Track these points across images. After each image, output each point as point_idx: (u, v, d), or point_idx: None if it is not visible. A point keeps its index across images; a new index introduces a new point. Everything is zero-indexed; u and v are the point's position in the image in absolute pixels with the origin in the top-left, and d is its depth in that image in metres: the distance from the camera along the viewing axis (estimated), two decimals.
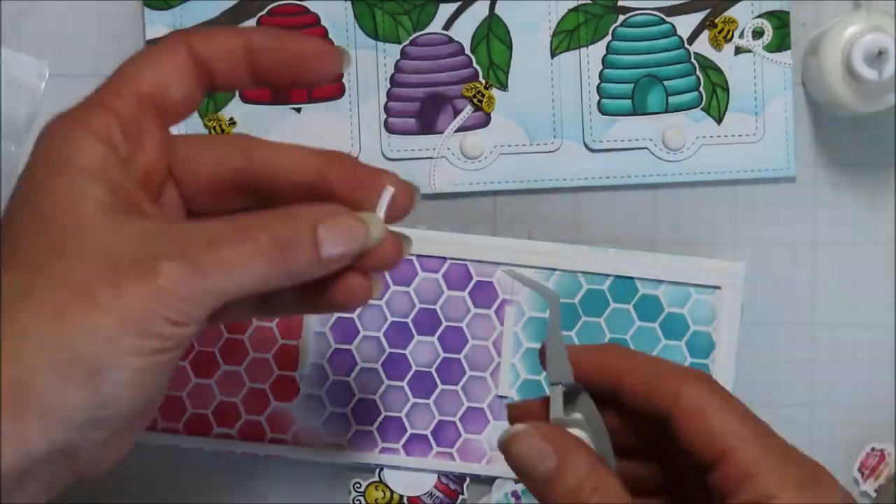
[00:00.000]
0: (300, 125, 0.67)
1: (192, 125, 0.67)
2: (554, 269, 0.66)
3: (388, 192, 0.50)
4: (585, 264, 0.66)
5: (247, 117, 0.67)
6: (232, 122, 0.67)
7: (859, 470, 0.67)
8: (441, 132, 0.67)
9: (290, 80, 0.51)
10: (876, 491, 0.67)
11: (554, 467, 0.47)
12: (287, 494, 0.67)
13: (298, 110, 0.67)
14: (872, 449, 0.67)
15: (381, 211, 0.50)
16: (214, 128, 0.66)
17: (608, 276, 0.66)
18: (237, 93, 0.67)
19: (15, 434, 0.43)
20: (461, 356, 0.66)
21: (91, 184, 0.46)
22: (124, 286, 0.44)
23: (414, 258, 0.66)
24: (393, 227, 0.51)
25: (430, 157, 0.67)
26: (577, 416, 0.50)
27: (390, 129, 0.67)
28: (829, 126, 0.68)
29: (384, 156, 0.67)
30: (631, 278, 0.66)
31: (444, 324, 0.66)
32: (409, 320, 0.66)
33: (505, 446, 0.49)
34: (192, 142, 0.51)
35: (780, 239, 0.68)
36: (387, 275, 0.66)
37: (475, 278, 0.66)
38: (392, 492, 0.67)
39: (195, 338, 0.49)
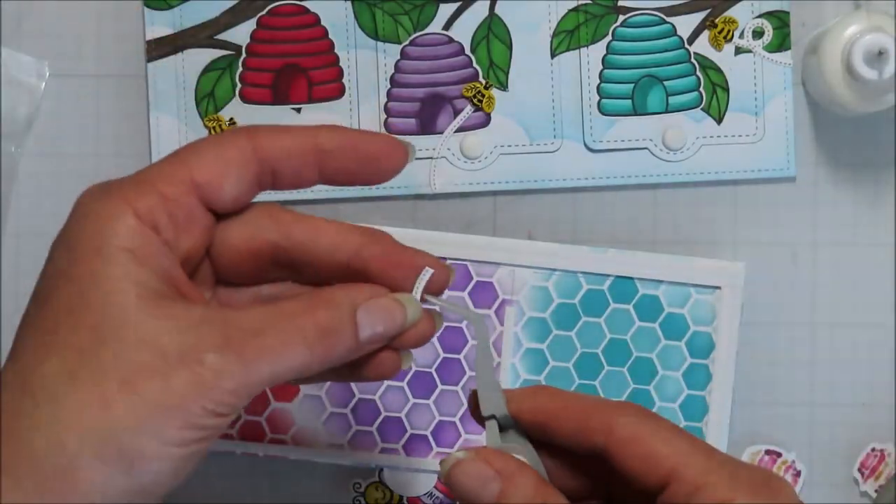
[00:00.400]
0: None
1: (192, 126, 0.67)
2: (554, 269, 0.66)
3: (427, 273, 0.50)
4: (585, 264, 0.66)
5: (247, 117, 0.67)
6: (232, 122, 0.67)
7: (859, 470, 0.67)
8: (441, 132, 0.67)
9: (360, 179, 0.51)
10: (876, 491, 0.67)
11: (498, 491, 0.47)
12: (287, 494, 0.67)
13: (298, 110, 0.67)
14: (872, 449, 0.67)
15: (419, 292, 0.50)
16: (214, 128, 0.66)
17: (608, 276, 0.66)
18: (237, 92, 0.67)
19: None
20: (461, 356, 0.66)
21: (134, 267, 0.45)
22: (170, 379, 0.44)
23: None
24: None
25: (430, 157, 0.67)
26: (514, 445, 0.49)
27: (390, 129, 0.67)
28: (829, 126, 0.68)
29: None
30: (631, 278, 0.66)
31: (444, 324, 0.66)
32: None
33: (447, 476, 0.48)
34: (227, 215, 0.50)
35: (780, 239, 0.68)
36: None
37: (475, 278, 0.66)
38: (392, 492, 0.67)
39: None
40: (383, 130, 0.67)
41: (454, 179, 0.67)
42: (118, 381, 0.44)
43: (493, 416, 0.50)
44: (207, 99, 0.67)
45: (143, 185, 0.47)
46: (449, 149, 0.67)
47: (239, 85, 0.67)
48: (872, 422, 0.67)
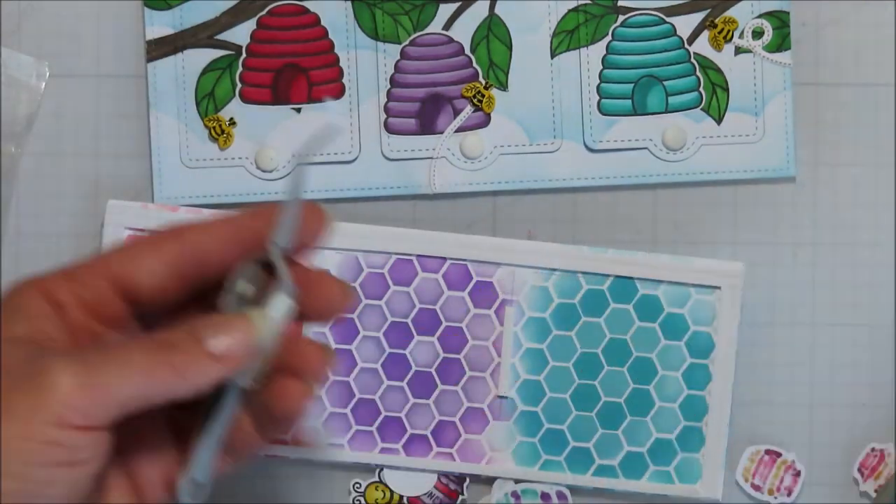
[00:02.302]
0: (300, 125, 0.67)
1: (192, 125, 0.67)
2: (554, 269, 0.66)
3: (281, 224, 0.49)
4: (585, 264, 0.66)
5: (247, 117, 0.67)
6: (232, 122, 0.67)
7: (859, 470, 0.67)
8: (441, 132, 0.67)
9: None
10: (875, 491, 0.67)
11: None
12: (287, 494, 0.67)
13: (298, 110, 0.67)
14: (872, 449, 0.67)
15: (275, 305, 0.49)
16: (214, 128, 0.66)
17: (608, 276, 0.66)
18: (237, 92, 0.67)
19: None
20: (461, 356, 0.66)
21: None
22: (12, 397, 0.46)
23: (414, 258, 0.66)
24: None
25: (430, 158, 0.67)
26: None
27: (390, 130, 0.67)
28: (829, 126, 0.68)
29: (384, 156, 0.67)
30: (631, 278, 0.66)
31: (444, 324, 0.66)
32: (408, 320, 0.66)
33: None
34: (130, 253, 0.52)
35: (780, 239, 0.68)
36: (387, 275, 0.66)
37: (475, 278, 0.66)
38: (392, 492, 0.67)
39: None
40: (384, 130, 0.67)
41: (454, 179, 0.67)
42: None
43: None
44: (207, 99, 0.67)
45: (58, 274, 0.51)
46: (449, 149, 0.67)
47: (239, 85, 0.67)
48: (872, 422, 0.67)
